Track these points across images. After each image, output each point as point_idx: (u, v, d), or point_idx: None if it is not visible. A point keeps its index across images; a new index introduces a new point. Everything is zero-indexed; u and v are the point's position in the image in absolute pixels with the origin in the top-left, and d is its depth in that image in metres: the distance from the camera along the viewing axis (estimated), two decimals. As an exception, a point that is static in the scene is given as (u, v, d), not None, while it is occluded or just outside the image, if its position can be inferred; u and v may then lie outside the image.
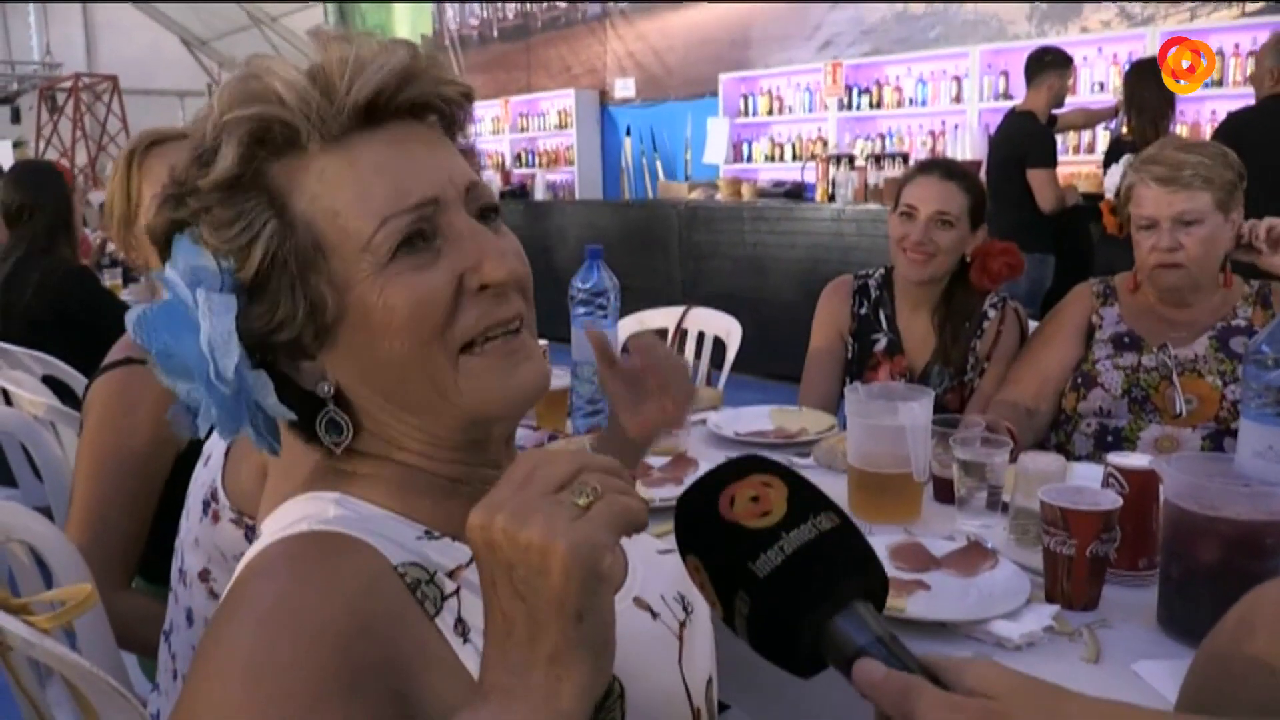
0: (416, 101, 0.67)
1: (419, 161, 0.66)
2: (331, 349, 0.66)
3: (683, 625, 0.76)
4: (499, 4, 9.36)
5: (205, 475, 1.13)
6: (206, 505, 1.10)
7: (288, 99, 0.63)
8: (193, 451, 1.40)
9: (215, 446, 1.14)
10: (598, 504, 0.52)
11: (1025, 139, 4.21)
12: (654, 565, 0.79)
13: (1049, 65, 4.24)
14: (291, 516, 0.65)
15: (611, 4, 8.30)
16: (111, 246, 5.64)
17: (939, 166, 2.08)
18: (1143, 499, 1.18)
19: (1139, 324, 1.83)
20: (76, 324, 2.96)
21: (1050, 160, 4.21)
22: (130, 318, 0.63)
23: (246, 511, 1.06)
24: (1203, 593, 1.05)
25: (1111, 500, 1.13)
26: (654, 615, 0.74)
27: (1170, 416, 1.75)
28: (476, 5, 9.73)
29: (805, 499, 0.59)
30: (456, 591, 0.64)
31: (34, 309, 2.87)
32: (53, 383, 2.32)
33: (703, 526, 0.60)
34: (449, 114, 0.71)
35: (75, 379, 2.36)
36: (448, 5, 10.08)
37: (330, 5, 12.13)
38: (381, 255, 0.63)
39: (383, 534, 0.64)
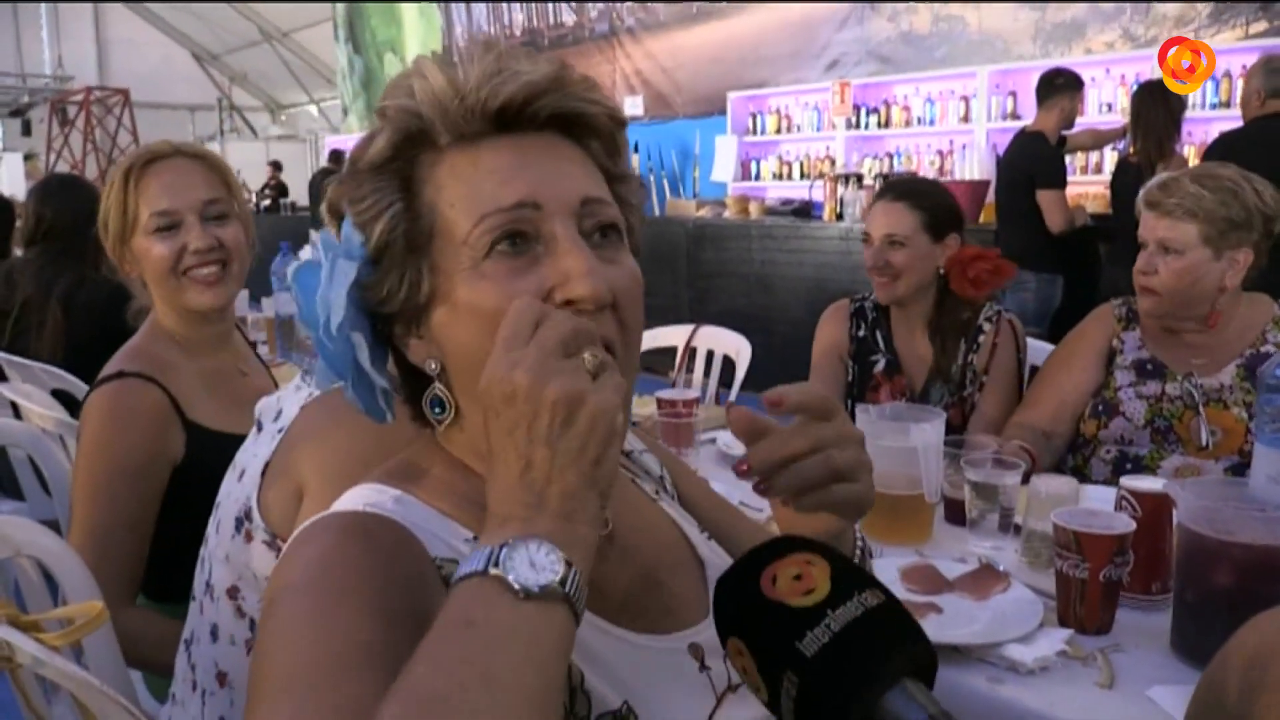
0: (554, 114, 0.70)
1: (534, 168, 0.68)
2: (429, 329, 0.70)
3: (730, 689, 0.73)
4: (506, 20, 9.43)
5: (239, 491, 1.11)
6: (240, 523, 1.08)
7: (425, 98, 0.68)
8: (190, 465, 1.39)
9: (250, 462, 1.11)
10: (604, 375, 0.57)
11: (1035, 160, 4.22)
12: None
13: (1061, 87, 4.25)
14: (352, 499, 0.69)
15: (620, 22, 8.36)
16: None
17: (891, 189, 2.10)
18: (1156, 522, 1.18)
19: (1162, 350, 1.78)
20: (117, 344, 2.88)
21: (1060, 181, 4.21)
22: (290, 269, 0.71)
23: (280, 534, 1.04)
24: (1217, 617, 1.04)
25: (1125, 523, 1.13)
26: (702, 667, 0.72)
27: (1195, 448, 1.69)
28: (484, 21, 9.80)
29: (849, 575, 0.58)
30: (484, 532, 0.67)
31: (82, 332, 2.75)
32: (63, 396, 2.32)
33: (745, 607, 0.58)
34: (595, 131, 0.72)
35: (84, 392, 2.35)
36: (456, 21, 10.16)
37: (340, 18, 12.22)
38: (478, 251, 0.66)
39: (430, 530, 0.67)
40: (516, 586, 0.51)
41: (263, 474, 1.08)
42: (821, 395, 0.67)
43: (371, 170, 0.69)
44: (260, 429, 1.15)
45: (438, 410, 0.71)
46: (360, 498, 0.69)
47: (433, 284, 0.68)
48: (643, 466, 0.89)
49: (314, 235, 0.72)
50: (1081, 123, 4.56)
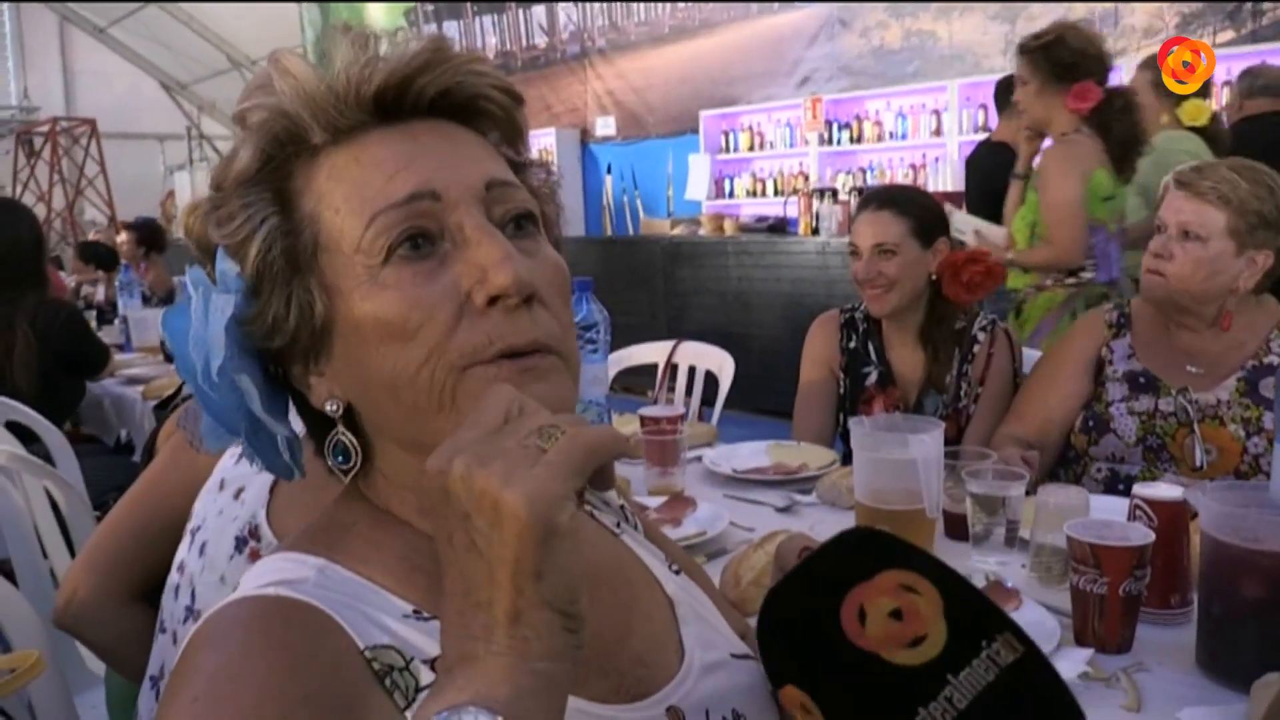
0: (440, 93, 0.61)
1: (427, 154, 0.59)
2: (330, 360, 0.60)
3: None
4: (480, 45, 9.39)
5: (238, 510, 1.06)
6: (242, 543, 1.03)
7: (290, 94, 0.59)
8: None
9: (250, 479, 1.07)
10: (556, 444, 0.46)
11: (1000, 170, 4.21)
12: (717, 670, 0.67)
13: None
14: (266, 575, 0.58)
15: (591, 43, 8.35)
16: (87, 290, 5.50)
17: (874, 199, 2.04)
18: (1173, 532, 1.12)
19: (1154, 361, 1.69)
20: (70, 367, 2.92)
21: (1028, 191, 4.21)
22: (162, 316, 0.63)
23: None
24: (1246, 631, 0.98)
25: (1142, 535, 1.06)
26: None
27: (1189, 468, 1.61)
28: (458, 46, 9.77)
29: (968, 612, 0.41)
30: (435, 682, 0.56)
31: (50, 356, 2.81)
32: (16, 428, 2.22)
33: (819, 652, 0.43)
34: (489, 115, 0.63)
35: (39, 423, 2.25)
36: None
37: (310, 46, 12.16)
38: (374, 258, 0.57)
39: (361, 610, 0.56)
40: None
41: (271, 491, 1.03)
42: None
43: (238, 187, 0.60)
44: None
45: (341, 459, 0.62)
46: (278, 572, 0.58)
47: (326, 305, 0.59)
48: (600, 497, 0.79)
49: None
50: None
